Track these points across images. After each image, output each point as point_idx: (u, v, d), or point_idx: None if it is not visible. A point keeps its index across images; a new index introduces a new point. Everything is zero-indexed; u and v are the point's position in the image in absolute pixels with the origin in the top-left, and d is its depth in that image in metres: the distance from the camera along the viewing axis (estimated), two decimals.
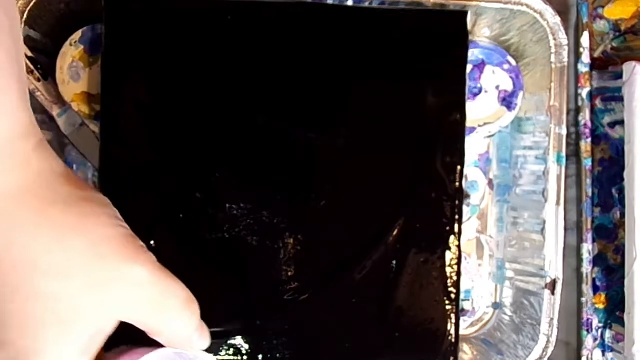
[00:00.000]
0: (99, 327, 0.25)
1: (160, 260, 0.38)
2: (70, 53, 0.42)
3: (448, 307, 0.40)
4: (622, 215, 0.45)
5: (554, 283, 0.43)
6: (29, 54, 0.39)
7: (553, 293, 0.43)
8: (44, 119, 0.42)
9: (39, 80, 0.40)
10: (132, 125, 0.38)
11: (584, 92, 0.45)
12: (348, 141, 0.40)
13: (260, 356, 0.39)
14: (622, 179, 0.44)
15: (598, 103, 0.47)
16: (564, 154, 0.43)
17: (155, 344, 0.28)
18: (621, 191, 0.46)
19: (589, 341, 0.45)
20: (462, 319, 0.46)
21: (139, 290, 0.25)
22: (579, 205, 0.47)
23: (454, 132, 0.41)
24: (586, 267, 0.45)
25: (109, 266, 0.24)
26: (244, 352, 0.39)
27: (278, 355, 0.39)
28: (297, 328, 0.39)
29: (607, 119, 0.47)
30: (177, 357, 0.28)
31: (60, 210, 0.24)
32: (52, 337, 0.23)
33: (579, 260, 0.46)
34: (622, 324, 0.43)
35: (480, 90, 0.45)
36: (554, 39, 0.43)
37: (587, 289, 0.45)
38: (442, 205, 0.40)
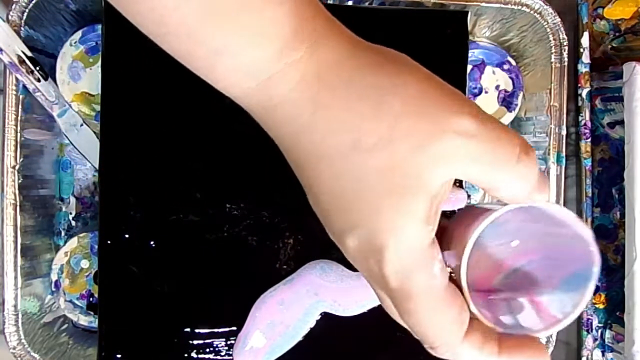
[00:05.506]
0: (434, 191, 0.22)
1: (160, 260, 0.38)
2: (70, 53, 0.42)
3: None
4: (622, 215, 0.45)
5: None
6: (29, 54, 0.39)
7: None
8: (44, 119, 0.42)
9: (39, 81, 0.40)
10: (132, 125, 0.38)
11: (584, 92, 0.45)
12: None
13: None
14: (622, 179, 0.44)
15: (598, 103, 0.47)
16: (563, 154, 0.43)
17: None
18: (621, 191, 0.46)
19: (589, 341, 0.45)
20: None
21: (467, 143, 0.22)
22: (579, 205, 0.47)
23: None
24: None
25: (432, 120, 0.22)
26: None
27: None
28: None
29: (607, 119, 0.47)
30: (522, 212, 0.25)
31: (370, 73, 0.23)
32: (391, 212, 0.22)
33: None
34: (622, 324, 0.43)
35: (480, 90, 0.45)
36: (554, 39, 0.43)
37: None
38: None
